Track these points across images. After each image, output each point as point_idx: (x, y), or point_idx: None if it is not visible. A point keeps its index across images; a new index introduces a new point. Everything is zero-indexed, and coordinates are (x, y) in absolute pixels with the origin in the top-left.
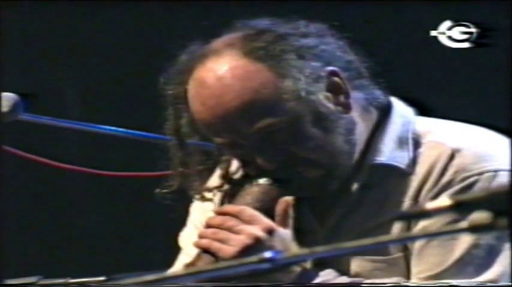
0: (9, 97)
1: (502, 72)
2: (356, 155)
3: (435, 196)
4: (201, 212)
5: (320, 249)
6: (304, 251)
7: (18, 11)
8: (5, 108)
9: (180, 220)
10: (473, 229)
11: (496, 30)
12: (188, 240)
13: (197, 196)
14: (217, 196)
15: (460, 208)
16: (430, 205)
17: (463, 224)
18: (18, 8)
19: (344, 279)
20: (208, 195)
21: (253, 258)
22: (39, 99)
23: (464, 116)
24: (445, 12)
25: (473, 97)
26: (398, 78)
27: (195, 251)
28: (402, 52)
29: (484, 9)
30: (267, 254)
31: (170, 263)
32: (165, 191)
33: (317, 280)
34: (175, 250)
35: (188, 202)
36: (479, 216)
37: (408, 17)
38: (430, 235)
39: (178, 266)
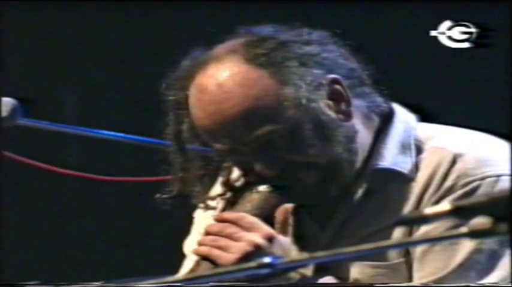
0: (8, 102)
1: (502, 72)
2: (358, 162)
3: (438, 201)
4: (204, 219)
5: (319, 254)
6: (304, 256)
7: (18, 15)
8: (3, 113)
9: (180, 226)
10: (473, 234)
11: (496, 30)
12: (192, 247)
13: (201, 205)
14: (220, 204)
15: (460, 213)
16: (430, 210)
17: (463, 229)
18: (17, 12)
19: None
20: (212, 203)
21: (253, 263)
22: (37, 104)
23: (464, 117)
24: (445, 12)
25: (473, 97)
26: (398, 78)
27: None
28: (402, 52)
29: (484, 9)
30: (266, 259)
31: (170, 268)
32: (165, 196)
33: None
34: (175, 255)
35: (188, 207)
36: (479, 221)
37: (408, 17)
38: (430, 240)
39: (183, 273)
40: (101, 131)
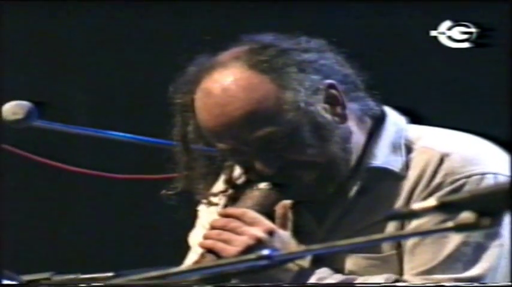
0: (24, 105)
1: (502, 72)
2: (352, 161)
3: (427, 197)
4: (208, 214)
5: (315, 247)
6: (301, 248)
7: (31, 19)
8: (20, 116)
9: (184, 220)
10: (459, 227)
11: (496, 30)
12: (197, 239)
13: (204, 201)
14: (222, 200)
15: (446, 208)
16: (418, 206)
17: (450, 223)
18: (30, 17)
19: (339, 276)
20: (214, 200)
21: (252, 255)
22: (52, 107)
23: (464, 117)
24: (445, 12)
25: (472, 97)
26: (398, 78)
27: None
28: (402, 52)
29: (484, 9)
30: (265, 252)
31: (175, 260)
32: (170, 192)
33: (313, 278)
34: (180, 247)
35: (192, 203)
36: (465, 216)
37: (408, 17)
38: (418, 234)
39: (187, 264)
40: (111, 132)
